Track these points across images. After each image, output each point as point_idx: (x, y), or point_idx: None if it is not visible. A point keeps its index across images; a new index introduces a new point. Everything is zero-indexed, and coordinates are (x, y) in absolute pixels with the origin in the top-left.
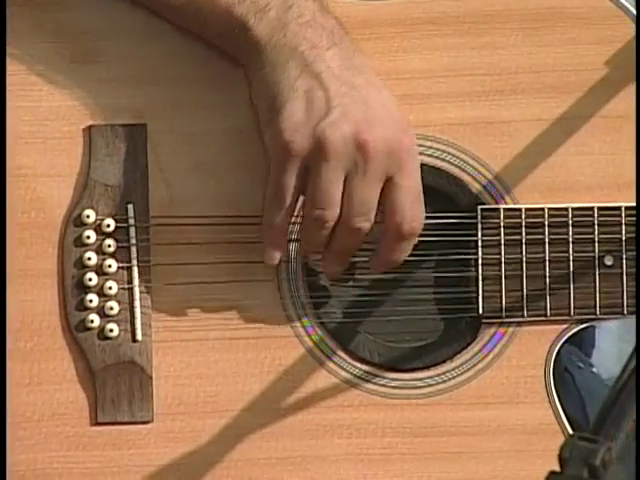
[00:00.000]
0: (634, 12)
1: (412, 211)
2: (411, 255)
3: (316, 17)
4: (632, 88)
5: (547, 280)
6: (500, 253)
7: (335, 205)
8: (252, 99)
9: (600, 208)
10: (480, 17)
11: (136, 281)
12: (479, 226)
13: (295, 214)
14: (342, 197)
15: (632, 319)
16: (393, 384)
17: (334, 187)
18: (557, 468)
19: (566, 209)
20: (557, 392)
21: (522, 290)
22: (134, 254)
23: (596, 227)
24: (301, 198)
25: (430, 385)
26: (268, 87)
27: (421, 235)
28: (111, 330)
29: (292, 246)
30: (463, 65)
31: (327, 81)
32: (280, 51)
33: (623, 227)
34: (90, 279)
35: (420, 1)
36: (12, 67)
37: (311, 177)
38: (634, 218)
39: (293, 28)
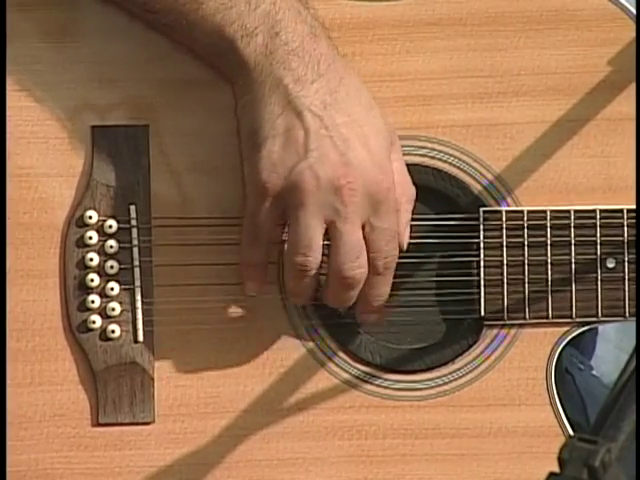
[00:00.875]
0: (635, 13)
1: (387, 248)
2: (413, 257)
3: (304, 44)
4: (634, 90)
5: (549, 282)
6: (502, 255)
7: (315, 250)
8: (237, 120)
9: (602, 210)
10: (482, 19)
11: (138, 282)
12: (481, 228)
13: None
14: (329, 246)
15: (630, 325)
16: (394, 386)
17: (312, 232)
18: (557, 469)
19: (568, 211)
20: (558, 394)
21: (524, 292)
22: (136, 255)
23: (598, 229)
24: (281, 234)
25: (432, 387)
26: (251, 118)
27: (423, 237)
28: (113, 331)
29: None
30: (465, 67)
31: (308, 121)
32: (265, 80)
33: (625, 229)
34: (92, 280)
35: (422, 3)
36: (14, 67)
37: (290, 221)
38: (635, 220)
39: (280, 56)
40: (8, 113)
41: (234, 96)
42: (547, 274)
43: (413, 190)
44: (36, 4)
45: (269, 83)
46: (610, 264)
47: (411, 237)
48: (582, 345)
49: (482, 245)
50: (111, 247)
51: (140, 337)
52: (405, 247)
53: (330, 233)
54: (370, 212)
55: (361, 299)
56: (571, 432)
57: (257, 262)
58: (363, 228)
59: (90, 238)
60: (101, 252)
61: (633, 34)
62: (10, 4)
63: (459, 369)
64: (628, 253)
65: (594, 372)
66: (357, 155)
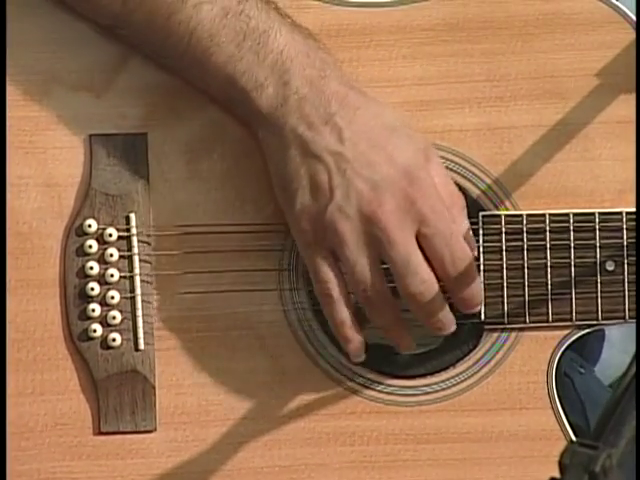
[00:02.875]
0: (633, 17)
1: (450, 250)
2: None
3: (314, 88)
4: (632, 93)
5: (549, 286)
6: (501, 259)
7: (376, 281)
8: (266, 162)
9: (601, 213)
10: (479, 23)
11: (138, 290)
12: (480, 232)
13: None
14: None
15: (634, 328)
16: (396, 391)
17: (362, 267)
18: (558, 474)
19: (567, 215)
20: (559, 398)
21: (524, 296)
22: (136, 263)
23: (597, 232)
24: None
25: (433, 392)
26: (278, 170)
27: None
28: (114, 339)
29: (292, 255)
30: (463, 72)
31: (327, 161)
32: (281, 131)
33: (624, 232)
34: (92, 288)
35: (420, 8)
36: (12, 77)
37: (341, 263)
38: (635, 223)
39: (291, 105)
40: (7, 123)
41: (255, 138)
42: (547, 278)
43: (462, 199)
44: (38, 13)
45: (286, 133)
46: (610, 267)
47: None
48: (584, 349)
49: (481, 249)
50: (111, 255)
51: (141, 345)
52: (475, 250)
53: (384, 259)
54: (417, 224)
55: (458, 305)
56: (572, 436)
57: (344, 317)
58: (419, 243)
59: (90, 247)
60: (101, 261)
61: (630, 37)
62: (11, 12)
63: (460, 374)
64: (627, 256)
65: (596, 375)
66: (384, 176)
